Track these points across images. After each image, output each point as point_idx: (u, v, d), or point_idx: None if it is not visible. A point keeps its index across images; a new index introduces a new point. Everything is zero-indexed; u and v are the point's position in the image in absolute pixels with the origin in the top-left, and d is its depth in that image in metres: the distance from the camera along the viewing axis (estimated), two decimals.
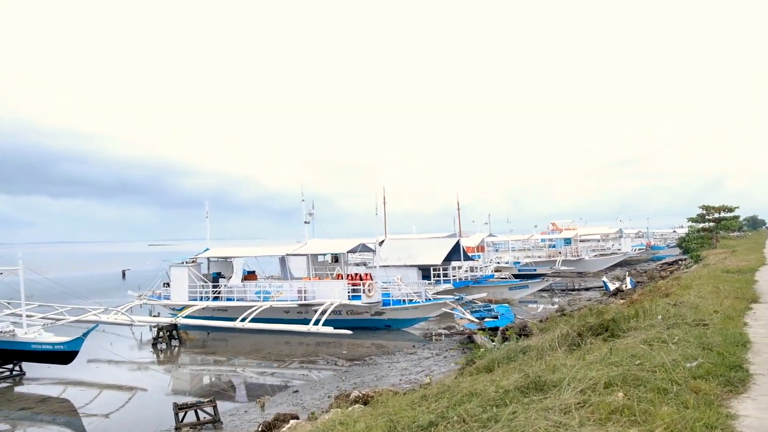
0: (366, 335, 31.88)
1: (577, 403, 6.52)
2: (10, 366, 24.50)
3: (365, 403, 11.28)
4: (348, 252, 34.25)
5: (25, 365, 24.78)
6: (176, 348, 30.35)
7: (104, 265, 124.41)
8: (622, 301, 26.31)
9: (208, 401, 16.86)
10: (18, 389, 23.32)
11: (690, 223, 76.30)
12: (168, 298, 35.71)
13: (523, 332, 20.56)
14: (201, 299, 34.22)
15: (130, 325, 29.98)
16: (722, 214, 70.01)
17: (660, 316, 12.13)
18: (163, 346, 30.00)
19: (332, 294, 31.50)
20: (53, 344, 23.30)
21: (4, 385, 23.65)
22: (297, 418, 12.74)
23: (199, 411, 16.72)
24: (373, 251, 34.90)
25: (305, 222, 35.08)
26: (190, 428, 16.27)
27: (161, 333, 30.06)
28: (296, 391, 20.47)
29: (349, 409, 10.42)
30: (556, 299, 47.19)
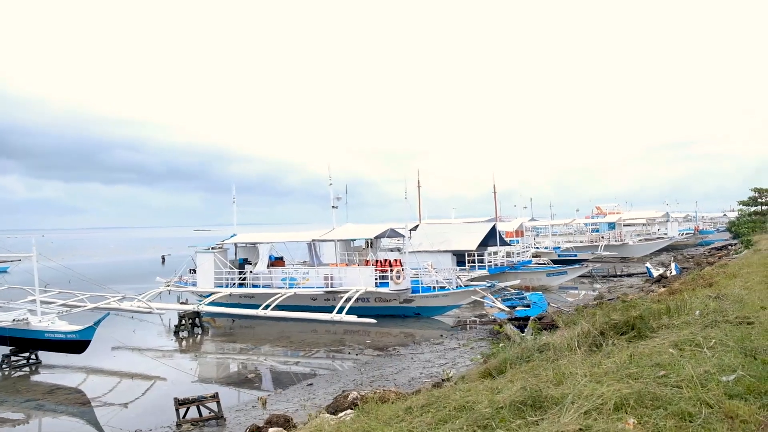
0: (395, 323, 30.77)
1: (577, 430, 5.21)
2: (26, 355, 24.06)
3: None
4: (375, 237, 33.09)
5: (46, 354, 24.33)
6: (199, 336, 29.69)
7: (150, 250, 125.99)
8: (663, 289, 24.63)
9: (210, 396, 15.91)
10: (34, 378, 22.87)
11: (740, 207, 72.80)
12: (194, 285, 35.09)
13: (550, 324, 19.15)
14: (227, 286, 33.51)
15: (149, 312, 29.38)
16: None
17: (698, 312, 10.64)
18: (185, 334, 29.36)
19: (359, 281, 30.42)
20: (65, 333, 22.73)
21: (20, 374, 23.20)
22: (288, 421, 11.69)
23: (201, 406, 15.81)
24: (403, 236, 33.67)
25: (333, 207, 33.91)
26: (192, 425, 15.37)
27: (183, 321, 29.42)
28: (311, 384, 19.46)
29: (327, 419, 9.29)
30: (597, 285, 45.40)
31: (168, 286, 36.37)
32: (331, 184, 33.90)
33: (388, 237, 34.17)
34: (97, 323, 22.55)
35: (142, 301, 29.91)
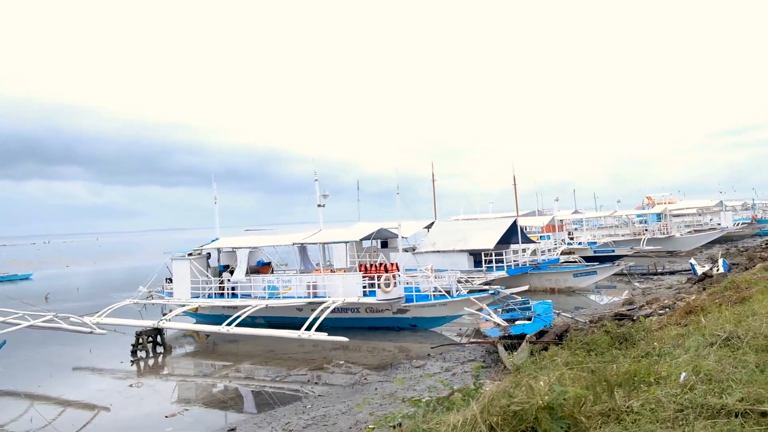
0: (389, 336, 26.92)
1: None
2: None
3: None
4: (362, 239, 29.01)
5: None
6: (161, 356, 26.25)
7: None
8: (694, 296, 19.94)
9: None
10: None
11: None
12: (171, 295, 31.65)
13: (555, 342, 14.86)
14: (205, 296, 29.99)
15: (90, 332, 25.92)
16: None
17: (683, 376, 6.43)
18: (143, 354, 25.89)
19: (340, 290, 26.47)
20: None
21: None
22: None
23: None
24: (396, 236, 29.54)
25: (319, 205, 29.86)
26: None
27: (141, 339, 25.94)
28: (232, 430, 15.66)
29: None
30: (636, 285, 40.45)
31: (151, 297, 33.01)
32: (316, 180, 29.81)
33: (374, 238, 30.06)
34: None
35: (75, 318, 26.60)
